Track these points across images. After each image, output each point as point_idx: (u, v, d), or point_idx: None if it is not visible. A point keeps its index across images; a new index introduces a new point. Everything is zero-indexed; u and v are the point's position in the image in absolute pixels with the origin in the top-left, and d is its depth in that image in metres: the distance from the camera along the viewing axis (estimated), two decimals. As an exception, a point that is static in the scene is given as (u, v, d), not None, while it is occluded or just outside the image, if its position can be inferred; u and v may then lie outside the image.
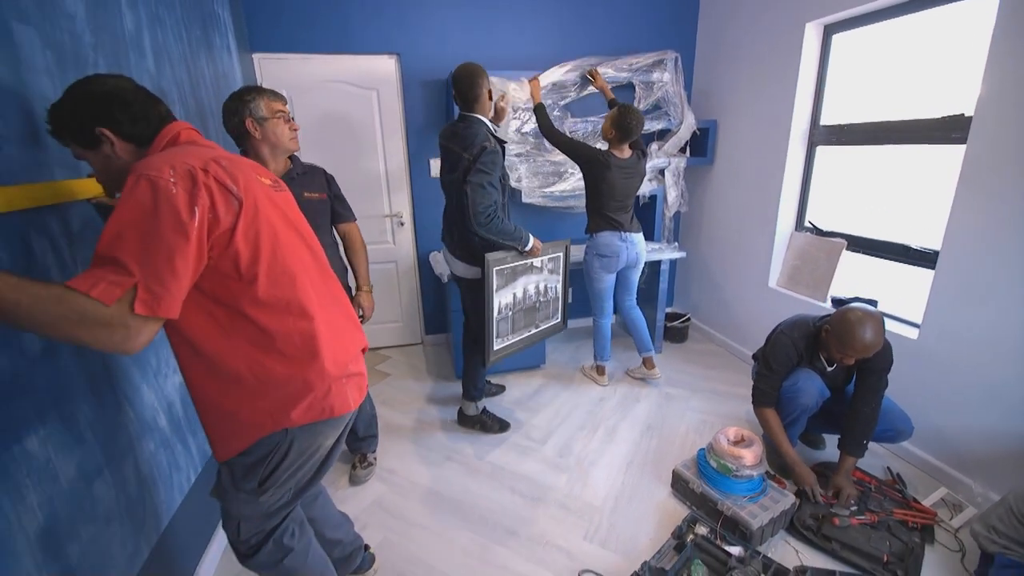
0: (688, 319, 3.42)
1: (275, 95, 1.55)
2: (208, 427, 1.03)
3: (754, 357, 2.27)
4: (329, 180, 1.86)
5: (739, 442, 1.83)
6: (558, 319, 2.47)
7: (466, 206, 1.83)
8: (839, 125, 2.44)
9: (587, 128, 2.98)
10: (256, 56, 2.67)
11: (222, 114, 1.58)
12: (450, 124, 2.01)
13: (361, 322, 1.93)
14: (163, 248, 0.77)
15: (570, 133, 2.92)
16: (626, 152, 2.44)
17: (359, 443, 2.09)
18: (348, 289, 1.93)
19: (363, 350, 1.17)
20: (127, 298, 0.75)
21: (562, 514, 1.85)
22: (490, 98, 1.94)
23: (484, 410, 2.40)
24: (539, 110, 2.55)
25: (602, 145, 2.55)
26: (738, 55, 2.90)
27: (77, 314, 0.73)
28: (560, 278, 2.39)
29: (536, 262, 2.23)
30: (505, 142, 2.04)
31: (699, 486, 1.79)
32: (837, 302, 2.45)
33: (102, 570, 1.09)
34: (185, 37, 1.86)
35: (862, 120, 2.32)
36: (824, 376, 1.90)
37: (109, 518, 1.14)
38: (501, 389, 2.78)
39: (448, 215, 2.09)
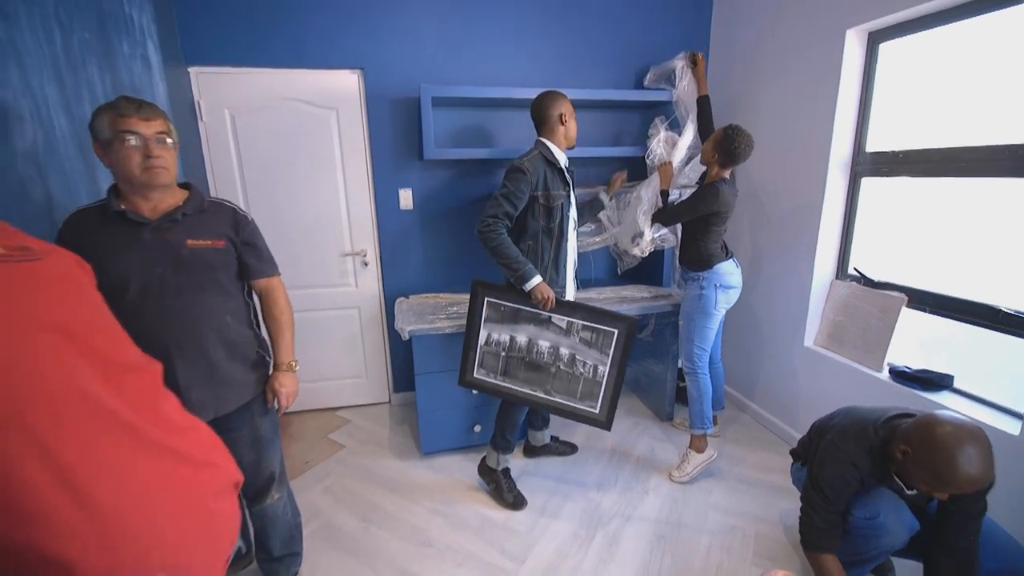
0: (704, 377, 2.90)
1: (126, 106, 1.10)
2: None
3: (793, 455, 1.75)
4: (239, 223, 1.39)
5: (790, 593, 1.30)
6: (595, 409, 1.93)
7: None
8: (891, 152, 1.98)
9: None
10: (192, 70, 2.27)
11: None
12: None
13: (279, 412, 1.46)
14: None
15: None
16: (728, 174, 2.04)
17: (274, 564, 1.57)
18: (265, 359, 1.46)
19: (236, 484, 0.85)
20: None
21: None
22: (562, 123, 1.88)
23: (507, 471, 2.06)
24: (664, 196, 2.26)
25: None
26: (761, 67, 2.47)
27: None
28: (608, 361, 1.87)
29: (558, 320, 1.89)
30: (563, 167, 1.89)
31: (735, 658, 1.26)
32: (897, 373, 1.94)
33: None
34: (58, 39, 1.44)
35: (920, 147, 1.86)
36: (903, 496, 1.38)
37: None
38: (572, 449, 2.39)
39: None
